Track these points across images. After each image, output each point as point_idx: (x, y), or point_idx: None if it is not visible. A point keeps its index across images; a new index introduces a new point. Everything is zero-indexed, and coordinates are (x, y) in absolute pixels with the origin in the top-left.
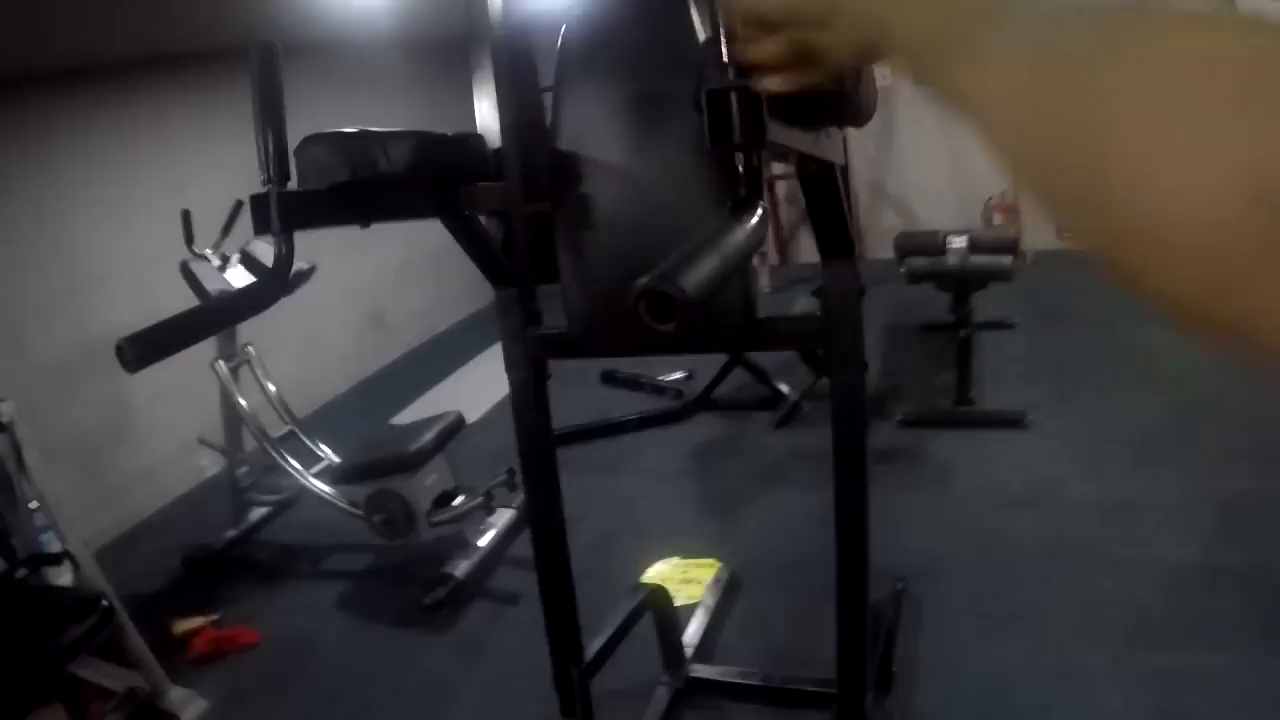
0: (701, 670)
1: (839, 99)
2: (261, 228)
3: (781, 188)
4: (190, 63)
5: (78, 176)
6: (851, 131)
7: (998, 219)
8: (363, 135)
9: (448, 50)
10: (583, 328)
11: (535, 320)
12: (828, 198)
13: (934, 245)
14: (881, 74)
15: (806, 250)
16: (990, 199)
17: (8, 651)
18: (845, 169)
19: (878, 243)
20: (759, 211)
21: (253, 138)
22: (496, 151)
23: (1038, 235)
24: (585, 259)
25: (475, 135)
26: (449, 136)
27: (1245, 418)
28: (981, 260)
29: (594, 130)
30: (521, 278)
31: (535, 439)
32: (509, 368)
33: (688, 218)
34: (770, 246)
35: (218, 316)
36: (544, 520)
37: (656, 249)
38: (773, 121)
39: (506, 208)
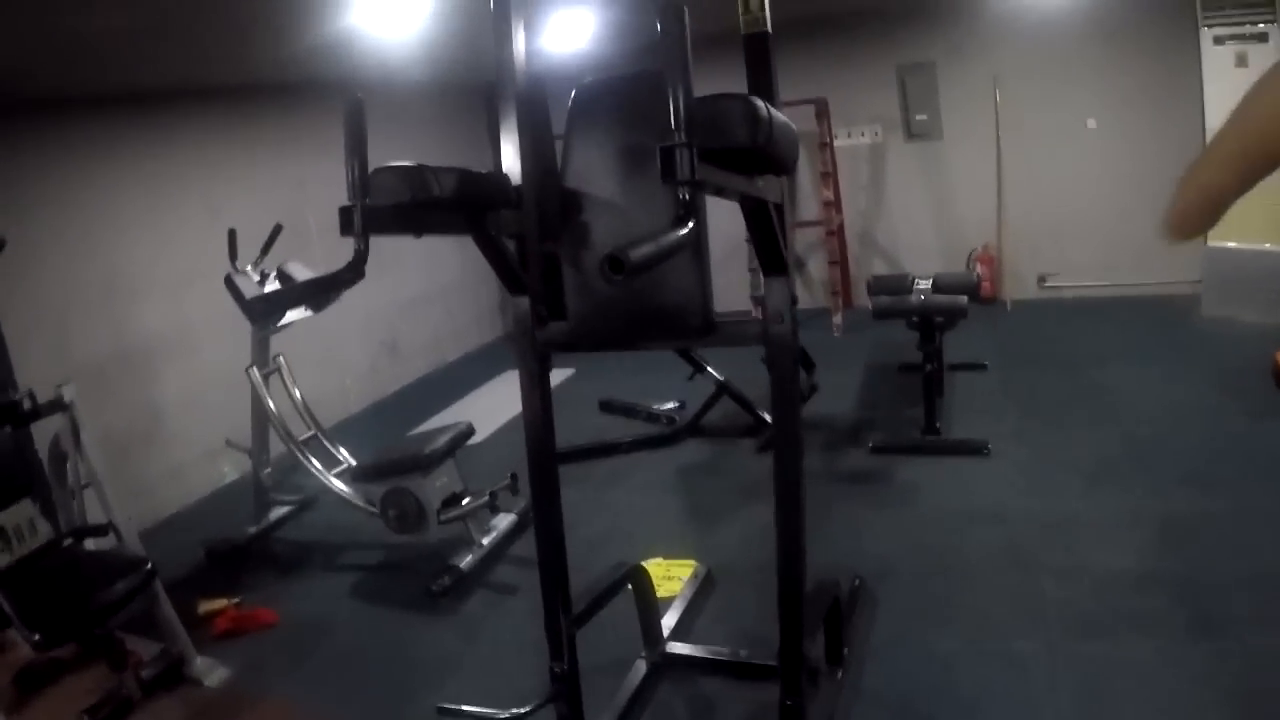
0: (677, 647)
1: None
2: (346, 230)
3: None
4: (231, 96)
5: (123, 195)
6: (844, 184)
7: (979, 270)
8: (421, 168)
9: (468, 95)
10: (580, 327)
11: (541, 322)
12: (762, 226)
13: (902, 286)
14: (873, 131)
15: None
16: (973, 251)
17: (60, 600)
18: (781, 208)
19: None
20: (689, 226)
21: (284, 168)
22: (517, 187)
23: (1017, 285)
24: (583, 273)
25: (502, 173)
26: (482, 174)
27: (1187, 451)
28: (940, 299)
29: (592, 172)
30: (532, 287)
31: (540, 420)
32: (521, 358)
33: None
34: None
35: (319, 290)
36: (542, 487)
37: None
38: (705, 166)
39: (523, 231)
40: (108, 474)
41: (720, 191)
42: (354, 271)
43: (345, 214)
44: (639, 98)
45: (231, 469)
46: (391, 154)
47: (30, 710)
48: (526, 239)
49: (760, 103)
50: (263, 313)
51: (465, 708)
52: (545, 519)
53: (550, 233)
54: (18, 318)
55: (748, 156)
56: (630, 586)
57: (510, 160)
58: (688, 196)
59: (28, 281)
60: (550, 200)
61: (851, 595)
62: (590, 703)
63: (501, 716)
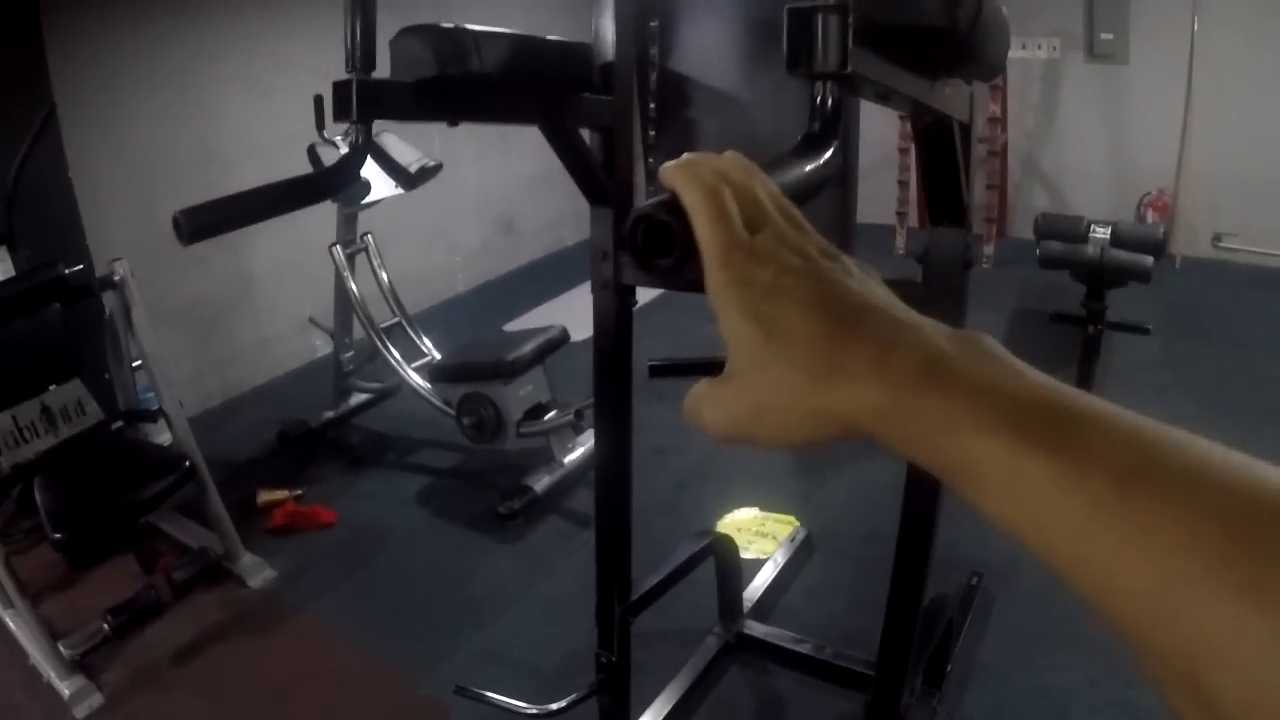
0: (755, 628)
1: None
2: (341, 114)
3: None
4: None
5: (222, 52)
6: (1013, 102)
7: (1151, 216)
8: (457, 31)
9: None
10: None
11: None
12: (941, 155)
13: (1075, 232)
14: (1050, 46)
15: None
16: (1147, 194)
17: (88, 497)
18: (969, 129)
19: (1024, 221)
20: (828, 153)
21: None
22: (604, 65)
23: (1189, 240)
24: None
25: (581, 45)
26: (552, 42)
27: None
28: (1121, 255)
29: (703, 53)
30: (618, 198)
31: (612, 369)
32: (594, 288)
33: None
34: (911, 208)
35: (276, 200)
36: (610, 451)
37: None
38: (862, 52)
39: (612, 124)
40: (178, 354)
41: (884, 97)
42: (339, 176)
43: (341, 92)
44: None
45: (323, 343)
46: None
47: (64, 595)
48: (615, 134)
49: None
50: (187, 231)
51: (488, 694)
52: (608, 493)
53: (646, 127)
54: (100, 185)
55: (933, 43)
56: (713, 559)
57: (602, 30)
58: (831, 99)
59: (113, 147)
60: (646, 85)
61: (966, 598)
62: (647, 676)
63: (529, 711)
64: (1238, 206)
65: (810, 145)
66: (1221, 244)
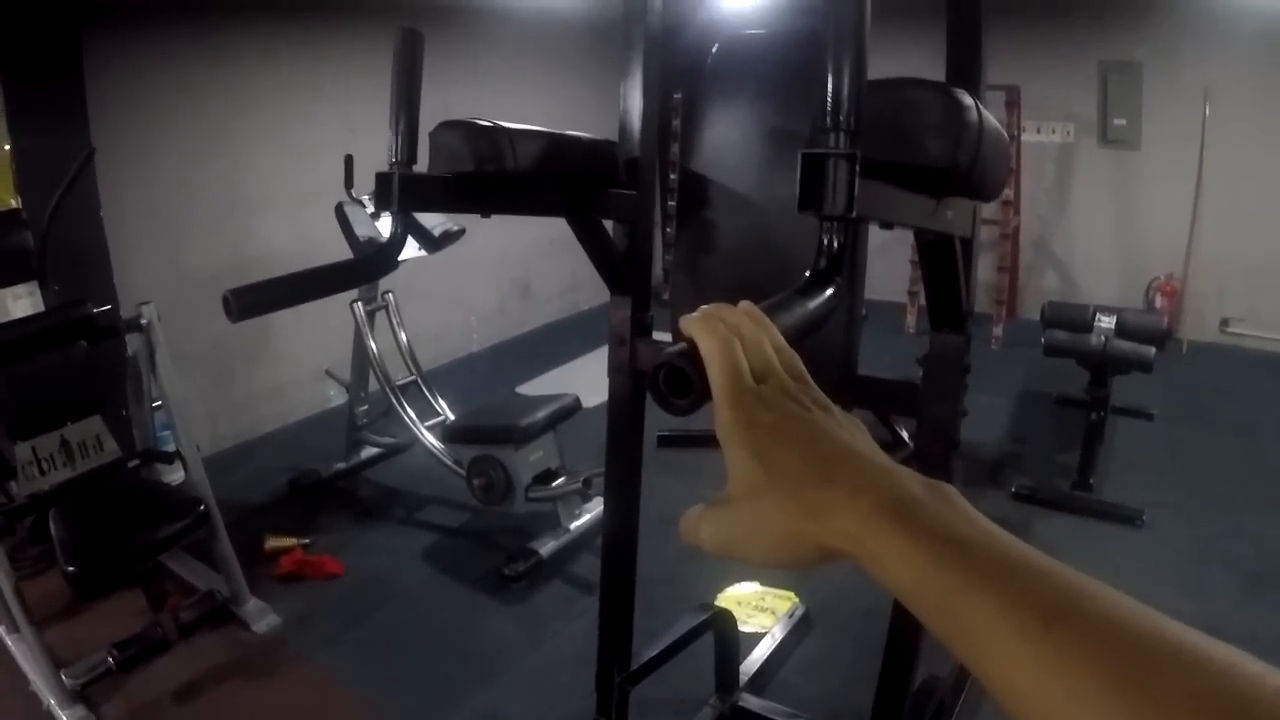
0: (750, 701)
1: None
2: (382, 204)
3: None
4: (374, 13)
5: (254, 103)
6: (1026, 185)
7: (1160, 301)
8: (494, 130)
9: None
10: None
11: (644, 331)
12: (943, 268)
13: (1080, 321)
14: (1064, 130)
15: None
16: (1156, 279)
17: (104, 533)
18: (970, 242)
19: (1034, 303)
20: (830, 289)
21: (430, 93)
22: (629, 161)
23: (1197, 325)
24: (699, 282)
25: (607, 142)
26: (580, 140)
27: None
28: (1124, 346)
29: (726, 156)
30: (638, 287)
31: (624, 448)
32: (611, 371)
33: (801, 267)
34: (924, 287)
35: (323, 283)
36: (618, 524)
37: (767, 289)
38: (869, 186)
39: (635, 217)
40: (194, 396)
41: (889, 224)
42: (381, 262)
43: (383, 183)
44: (797, 64)
45: (337, 394)
46: (514, 95)
47: (68, 625)
48: (638, 228)
49: (968, 101)
50: (236, 309)
51: None
52: (614, 565)
53: (667, 223)
54: (129, 227)
55: (937, 175)
56: (712, 633)
57: (628, 126)
58: (838, 240)
59: (144, 191)
60: (667, 183)
61: (959, 680)
62: None
63: None
64: (1245, 292)
65: (815, 282)
66: (1229, 329)
